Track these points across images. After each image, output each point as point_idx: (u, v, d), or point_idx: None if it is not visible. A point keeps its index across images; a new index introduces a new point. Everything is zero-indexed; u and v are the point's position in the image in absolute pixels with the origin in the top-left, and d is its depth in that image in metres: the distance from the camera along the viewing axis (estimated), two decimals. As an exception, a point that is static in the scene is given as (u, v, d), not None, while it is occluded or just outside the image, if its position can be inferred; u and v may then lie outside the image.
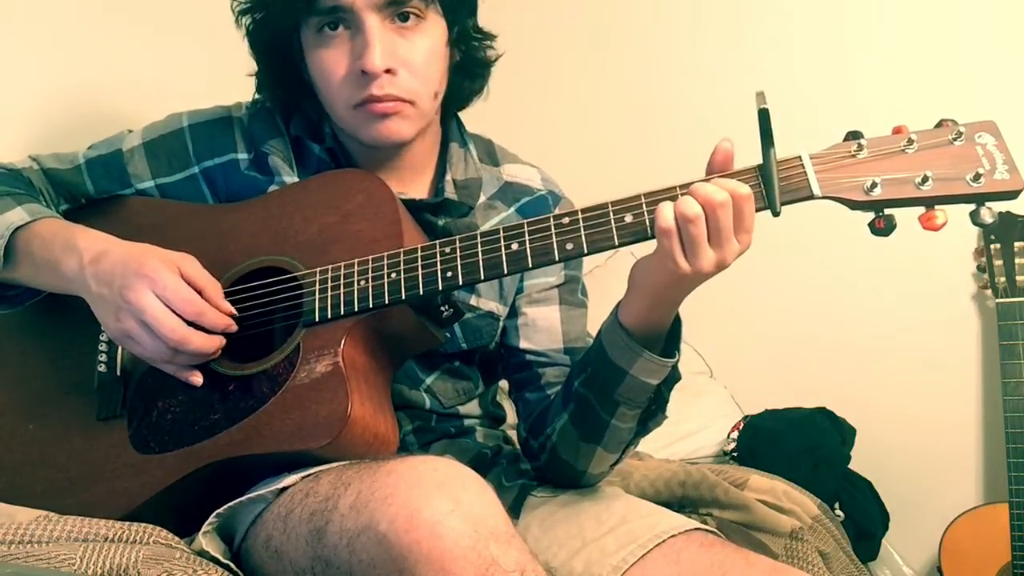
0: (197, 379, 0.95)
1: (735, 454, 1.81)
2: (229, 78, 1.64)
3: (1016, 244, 1.72)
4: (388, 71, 0.98)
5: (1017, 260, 1.71)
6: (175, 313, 0.91)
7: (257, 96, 1.13)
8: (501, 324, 1.15)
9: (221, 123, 1.12)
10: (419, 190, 1.13)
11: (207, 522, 0.88)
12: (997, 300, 1.73)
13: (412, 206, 1.06)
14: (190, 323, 0.92)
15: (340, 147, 1.11)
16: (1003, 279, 1.72)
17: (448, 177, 1.12)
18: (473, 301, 1.11)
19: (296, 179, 1.09)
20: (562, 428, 1.04)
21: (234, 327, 0.96)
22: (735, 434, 1.84)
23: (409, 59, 1.00)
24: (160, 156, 1.11)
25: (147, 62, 1.56)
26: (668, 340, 0.96)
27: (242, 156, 1.10)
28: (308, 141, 1.11)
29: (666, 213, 0.83)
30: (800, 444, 1.74)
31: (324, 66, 1.01)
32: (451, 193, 1.11)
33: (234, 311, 0.96)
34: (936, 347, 1.95)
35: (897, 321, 1.98)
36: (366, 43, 0.97)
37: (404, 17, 0.99)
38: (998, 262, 1.73)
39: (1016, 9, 1.85)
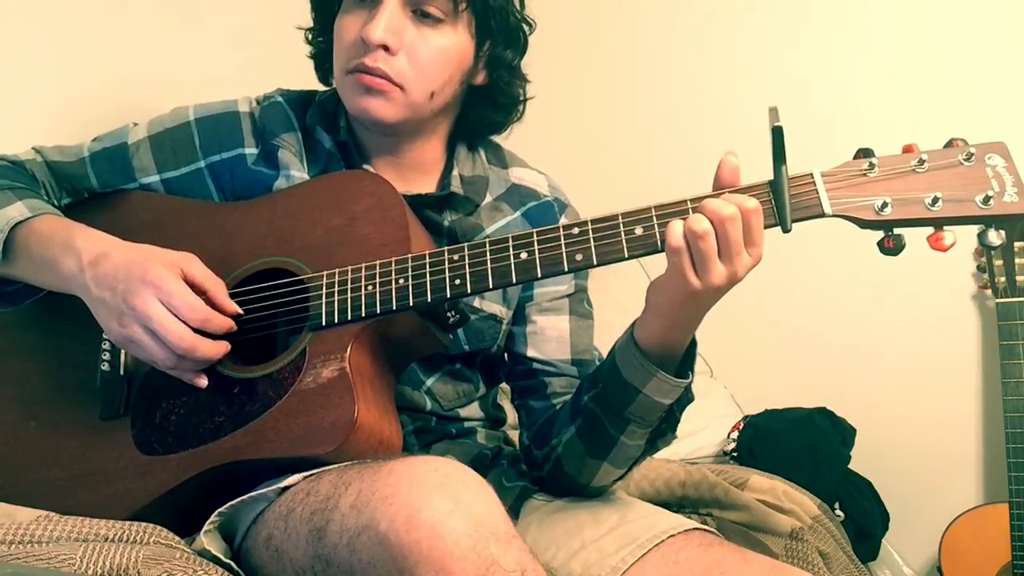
0: (202, 382, 0.95)
1: (735, 454, 1.81)
2: (235, 72, 1.65)
3: (1016, 244, 1.72)
4: (386, 48, 1.00)
5: (1017, 260, 1.71)
6: (181, 320, 0.91)
7: (272, 91, 1.15)
8: (504, 327, 1.15)
9: (228, 117, 1.12)
10: (425, 189, 1.13)
11: (209, 521, 0.88)
12: (997, 300, 1.73)
13: (418, 201, 1.07)
14: (196, 329, 0.92)
15: (353, 140, 1.11)
16: (1003, 279, 1.72)
17: (455, 172, 1.12)
18: (476, 303, 1.11)
19: (305, 174, 1.09)
20: (568, 441, 1.03)
21: (235, 327, 0.96)
22: (735, 434, 1.85)
23: (413, 46, 1.01)
24: (166, 150, 1.11)
25: (152, 56, 1.56)
26: (683, 361, 0.95)
27: (249, 151, 1.10)
28: (321, 134, 1.11)
29: (676, 231, 0.83)
30: (800, 444, 1.75)
31: (339, 28, 1.05)
32: (457, 188, 1.11)
33: (239, 310, 0.97)
34: (936, 347, 1.95)
35: (897, 321, 1.98)
36: (374, 16, 1.00)
37: (424, 14, 1.02)
38: (998, 262, 1.73)
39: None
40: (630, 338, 0.94)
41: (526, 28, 1.11)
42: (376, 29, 0.99)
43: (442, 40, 1.03)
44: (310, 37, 1.15)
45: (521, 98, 1.15)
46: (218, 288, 0.96)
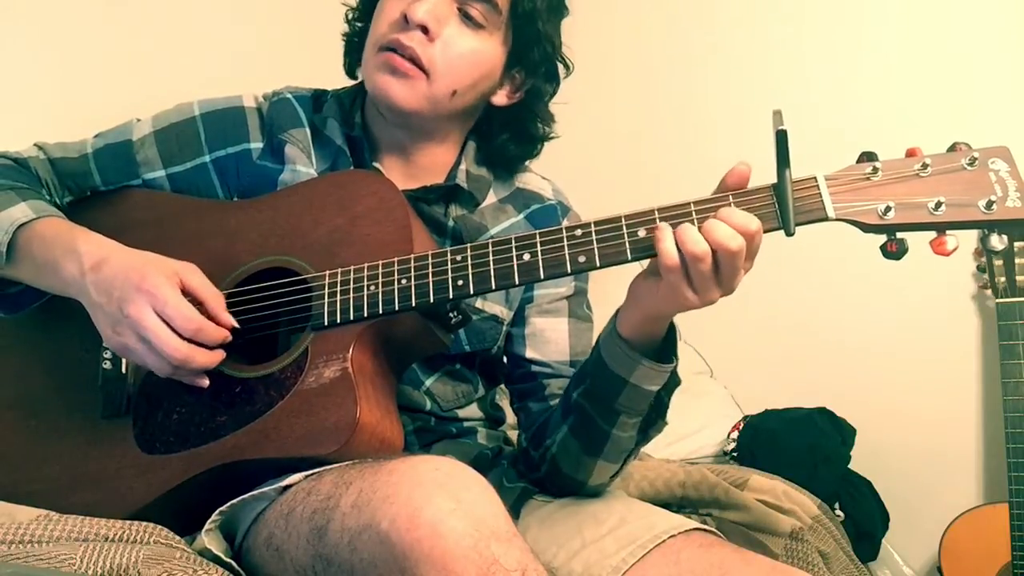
0: (203, 382, 0.95)
1: (735, 454, 1.81)
2: (235, 71, 1.65)
3: (1016, 244, 1.72)
4: (425, 31, 1.01)
5: (1017, 260, 1.71)
6: (174, 329, 0.90)
7: (280, 88, 1.15)
8: (505, 328, 1.15)
9: (234, 112, 1.12)
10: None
11: (210, 519, 0.88)
12: (997, 300, 1.73)
13: (423, 195, 1.08)
14: (190, 339, 0.91)
15: (367, 135, 1.12)
16: (1003, 279, 1.72)
17: (462, 167, 1.13)
18: (478, 304, 1.11)
19: (312, 170, 1.09)
20: (562, 440, 1.04)
21: (230, 338, 0.95)
22: (735, 434, 1.85)
23: (450, 40, 1.03)
24: (171, 144, 1.10)
25: (154, 53, 1.56)
26: (664, 346, 0.96)
27: (255, 146, 1.10)
28: (332, 129, 1.11)
29: (669, 249, 0.83)
30: (800, 444, 1.75)
31: (381, 7, 1.06)
32: (463, 182, 1.12)
33: (235, 323, 0.96)
34: (936, 347, 1.95)
35: (897, 321, 1.99)
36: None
37: (468, 15, 1.04)
38: (998, 262, 1.73)
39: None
40: (613, 330, 0.95)
41: (562, 70, 1.13)
42: (420, 9, 1.01)
43: (478, 44, 1.05)
44: (351, 16, 1.16)
45: (546, 135, 1.17)
46: (216, 301, 0.95)
